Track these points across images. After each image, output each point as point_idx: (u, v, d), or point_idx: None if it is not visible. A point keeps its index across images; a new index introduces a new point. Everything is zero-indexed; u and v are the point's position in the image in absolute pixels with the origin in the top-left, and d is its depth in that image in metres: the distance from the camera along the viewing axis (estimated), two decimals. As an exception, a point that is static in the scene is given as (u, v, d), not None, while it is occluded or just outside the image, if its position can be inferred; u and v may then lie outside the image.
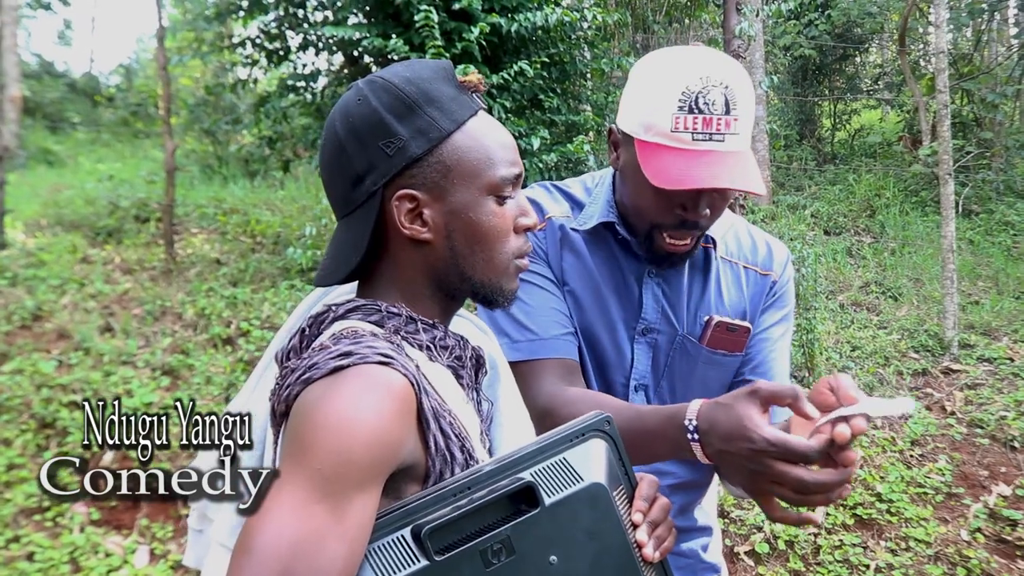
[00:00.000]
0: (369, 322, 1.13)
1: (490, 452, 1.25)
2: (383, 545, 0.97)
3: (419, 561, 0.95)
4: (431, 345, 1.16)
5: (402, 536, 0.97)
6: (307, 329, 1.16)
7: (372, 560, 0.96)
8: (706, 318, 1.74)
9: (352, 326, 1.11)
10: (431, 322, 1.18)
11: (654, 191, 1.55)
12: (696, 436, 1.31)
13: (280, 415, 1.05)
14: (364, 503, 0.94)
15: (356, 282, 1.24)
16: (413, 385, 1.01)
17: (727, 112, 1.51)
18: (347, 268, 1.17)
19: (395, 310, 1.15)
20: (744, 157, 1.54)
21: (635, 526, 1.10)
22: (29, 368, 5.44)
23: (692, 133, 1.50)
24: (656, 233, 1.62)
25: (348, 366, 0.99)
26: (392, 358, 1.01)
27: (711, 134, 1.50)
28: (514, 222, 1.20)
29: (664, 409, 1.41)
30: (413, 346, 1.14)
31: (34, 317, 6.14)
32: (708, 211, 1.57)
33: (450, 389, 1.15)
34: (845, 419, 1.19)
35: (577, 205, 1.79)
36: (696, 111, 1.50)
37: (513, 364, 1.66)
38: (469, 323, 1.38)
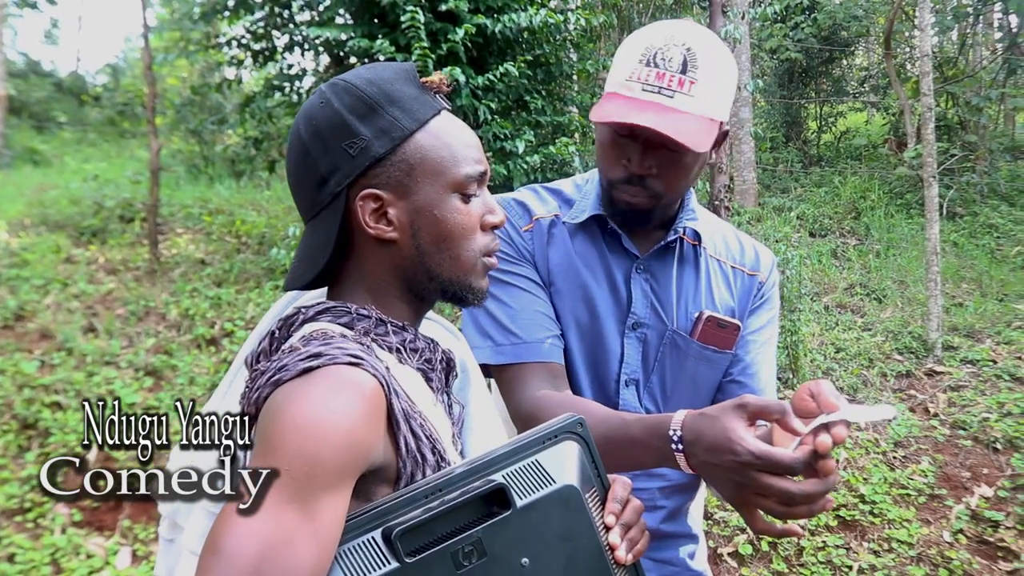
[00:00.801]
0: (339, 324, 1.13)
1: (462, 455, 1.25)
2: (353, 547, 0.96)
3: (390, 563, 0.95)
4: (401, 347, 1.16)
5: (373, 538, 0.97)
6: (276, 332, 1.16)
7: (342, 562, 0.95)
8: (697, 313, 1.75)
9: (322, 328, 1.11)
10: (401, 324, 1.18)
11: (606, 144, 1.60)
12: (680, 447, 1.31)
13: (250, 418, 1.04)
14: (334, 504, 0.94)
15: (327, 288, 1.24)
16: (383, 386, 1.01)
17: (683, 71, 1.52)
18: (315, 270, 1.17)
19: (365, 312, 1.15)
20: (691, 118, 1.52)
21: (607, 528, 1.10)
22: (11, 368, 5.41)
23: (643, 84, 1.52)
24: (614, 190, 1.63)
25: (318, 367, 0.99)
26: (362, 359, 1.01)
27: (660, 87, 1.51)
28: (480, 220, 1.20)
29: (649, 418, 1.41)
30: (383, 348, 1.14)
31: (16, 317, 6.11)
32: (653, 169, 1.57)
33: (420, 391, 1.15)
34: (826, 427, 1.19)
35: (567, 202, 1.80)
36: (652, 65, 1.53)
37: (498, 368, 1.66)
38: (440, 327, 1.38)
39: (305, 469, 0.92)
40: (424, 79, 1.19)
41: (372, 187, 1.13)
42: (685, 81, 1.52)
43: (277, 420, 0.96)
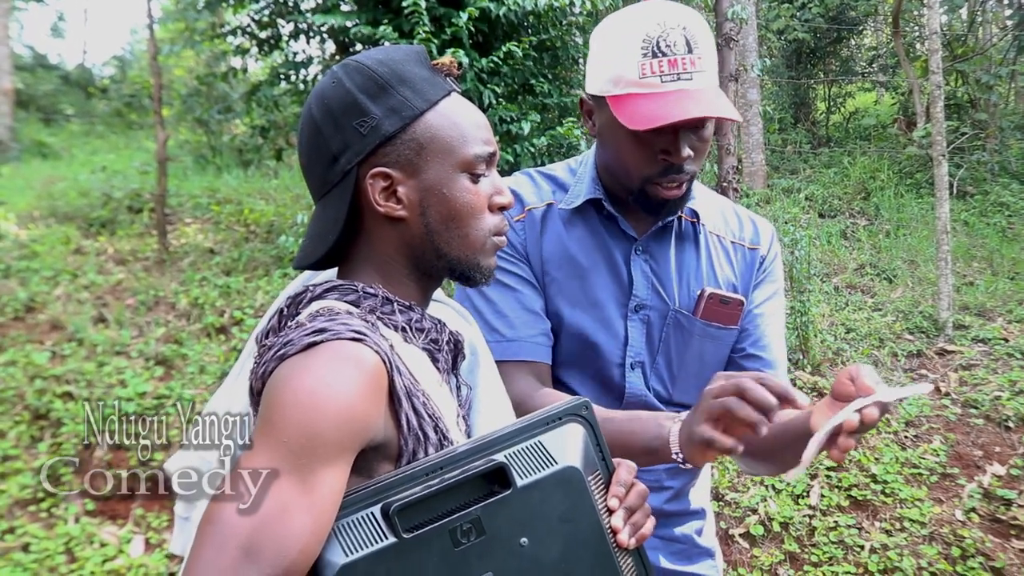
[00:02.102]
0: (345, 302, 1.14)
1: (468, 436, 1.25)
2: (352, 521, 0.97)
3: (387, 538, 0.96)
4: (406, 326, 1.17)
5: (371, 513, 0.98)
6: (285, 309, 1.18)
7: (340, 536, 0.96)
8: (699, 290, 1.74)
9: (328, 305, 1.12)
10: (407, 304, 1.19)
11: (634, 143, 1.58)
12: (683, 458, 1.38)
13: (256, 392, 1.05)
14: (331, 477, 0.95)
15: (337, 268, 1.25)
16: (385, 363, 1.02)
17: (689, 51, 1.53)
18: (324, 247, 1.18)
19: (371, 291, 1.16)
20: (714, 91, 1.56)
21: (611, 511, 1.10)
22: (22, 359, 5.43)
23: (660, 76, 1.53)
24: (648, 186, 1.63)
25: (321, 342, 1.00)
26: (365, 335, 1.02)
27: (678, 74, 1.53)
28: (488, 200, 1.21)
29: (646, 434, 1.44)
30: (388, 327, 1.14)
31: (27, 308, 6.13)
32: (690, 152, 1.58)
33: (424, 370, 1.15)
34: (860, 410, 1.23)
35: (561, 187, 1.80)
36: (660, 54, 1.53)
37: None
38: (451, 310, 1.39)
39: (303, 442, 0.93)
40: (434, 61, 1.20)
41: (382, 165, 1.14)
42: (695, 60, 1.53)
43: (279, 393, 0.97)
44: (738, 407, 1.24)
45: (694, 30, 1.54)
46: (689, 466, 1.39)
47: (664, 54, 1.52)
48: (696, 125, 1.56)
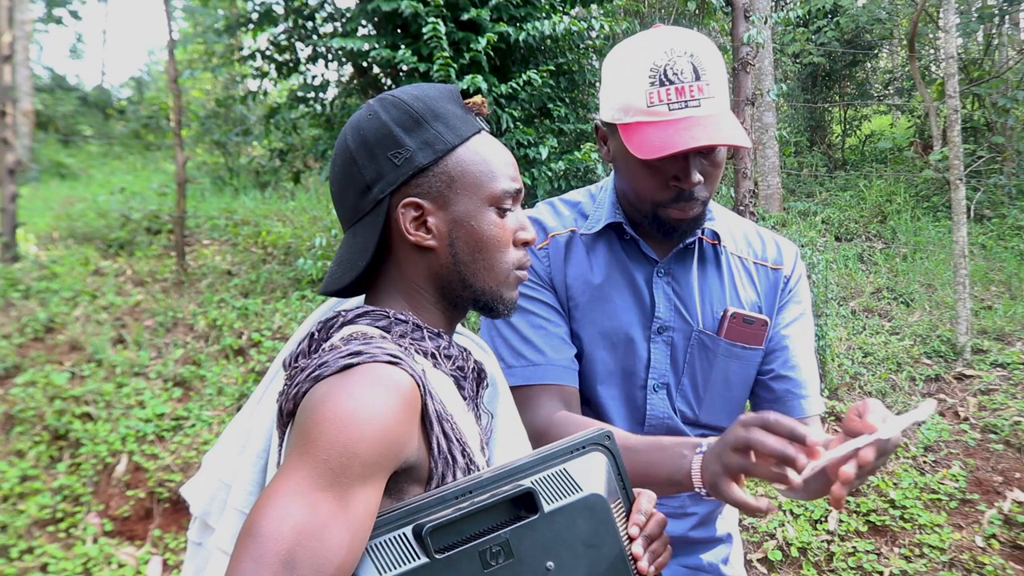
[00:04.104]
0: (377, 327, 1.17)
1: (488, 464, 1.27)
2: (385, 541, 0.99)
3: (419, 558, 0.98)
4: (435, 353, 1.20)
5: (403, 534, 1.00)
6: (316, 333, 1.21)
7: (373, 555, 0.98)
8: (722, 310, 1.75)
9: (361, 330, 1.14)
10: (436, 331, 1.22)
11: (646, 170, 1.60)
12: (705, 492, 1.37)
13: (287, 414, 1.08)
14: (367, 496, 0.97)
15: (364, 294, 1.28)
16: (419, 386, 1.05)
17: (697, 78, 1.55)
18: (354, 273, 1.21)
19: (402, 317, 1.19)
20: (723, 117, 1.57)
21: (631, 539, 1.13)
22: (42, 380, 5.47)
23: (668, 104, 1.55)
24: (660, 210, 1.64)
25: (357, 364, 1.02)
26: (400, 359, 1.04)
27: (686, 101, 1.55)
28: (514, 235, 1.25)
29: (667, 470, 1.43)
30: (418, 352, 1.17)
31: (47, 329, 6.18)
32: (701, 178, 1.59)
33: (452, 396, 1.18)
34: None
35: (583, 214, 1.82)
36: (667, 83, 1.55)
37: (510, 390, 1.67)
38: (471, 341, 1.43)
39: (342, 459, 0.95)
40: (467, 100, 1.25)
41: (414, 196, 1.19)
42: (703, 87, 1.56)
43: (316, 412, 0.99)
44: (753, 467, 1.25)
45: (702, 56, 1.56)
46: (712, 497, 1.39)
47: (671, 82, 1.54)
48: (706, 151, 1.58)
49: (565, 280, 1.76)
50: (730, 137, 1.54)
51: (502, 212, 1.23)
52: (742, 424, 1.27)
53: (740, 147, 1.55)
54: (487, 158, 1.22)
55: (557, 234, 1.79)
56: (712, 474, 1.32)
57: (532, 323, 1.72)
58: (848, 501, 4.75)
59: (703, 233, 1.77)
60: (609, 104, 1.64)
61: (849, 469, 1.18)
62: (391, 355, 1.04)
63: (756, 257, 1.83)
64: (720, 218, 1.82)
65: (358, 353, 1.03)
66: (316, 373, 1.03)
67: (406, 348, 1.12)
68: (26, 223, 8.33)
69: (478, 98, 1.26)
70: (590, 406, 1.77)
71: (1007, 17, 13.21)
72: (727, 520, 1.92)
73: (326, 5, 7.64)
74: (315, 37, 7.85)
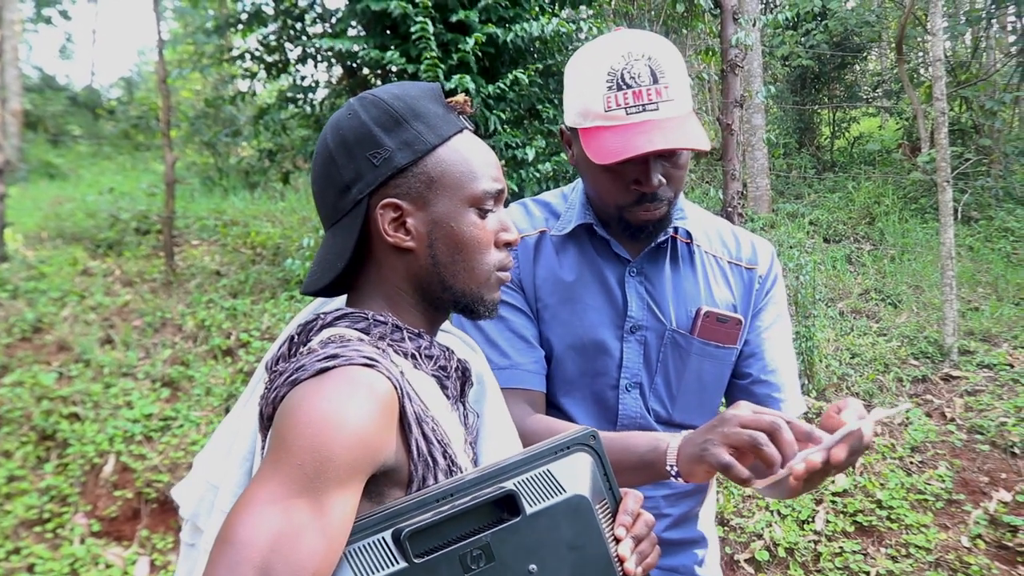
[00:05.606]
0: (356, 329, 1.16)
1: (475, 463, 1.26)
2: (363, 546, 0.98)
3: (398, 563, 0.97)
4: (416, 353, 1.18)
5: (382, 538, 0.99)
6: (296, 336, 1.19)
7: (351, 561, 0.97)
8: (695, 309, 1.75)
9: (339, 332, 1.14)
10: (416, 331, 1.21)
11: (607, 174, 1.60)
12: (676, 471, 1.40)
13: (267, 418, 1.07)
14: (344, 501, 0.96)
15: (346, 296, 1.27)
16: (396, 389, 1.04)
17: (655, 82, 1.55)
18: (332, 274, 1.20)
19: (382, 318, 1.18)
20: (683, 120, 1.57)
21: (617, 540, 1.11)
22: (29, 380, 5.45)
23: (625, 108, 1.55)
24: (625, 213, 1.65)
25: (334, 367, 1.01)
26: (377, 361, 1.04)
27: (643, 105, 1.55)
28: (495, 236, 1.24)
29: (640, 452, 1.46)
30: (398, 353, 1.16)
31: (34, 329, 6.16)
32: (663, 180, 1.60)
33: (434, 397, 1.17)
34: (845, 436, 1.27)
35: (554, 214, 1.82)
36: (624, 87, 1.55)
37: None
38: (458, 340, 1.41)
39: (316, 464, 0.94)
40: (449, 99, 1.23)
41: (393, 197, 1.17)
42: (661, 90, 1.55)
43: (292, 416, 0.98)
44: (765, 445, 1.26)
45: (660, 59, 1.56)
46: (682, 480, 1.40)
47: (628, 86, 1.54)
48: (667, 153, 1.58)
49: (534, 281, 1.76)
50: (688, 140, 1.54)
51: (483, 213, 1.21)
52: (745, 422, 1.30)
53: (698, 151, 1.56)
54: (468, 158, 1.20)
55: (527, 235, 1.78)
56: (698, 446, 1.34)
57: (500, 326, 1.71)
58: (835, 501, 4.77)
59: (676, 232, 1.77)
60: (570, 109, 1.65)
61: (816, 457, 1.23)
62: (367, 357, 1.03)
63: (731, 256, 1.83)
64: (693, 217, 1.82)
65: (334, 356, 1.03)
66: (293, 377, 1.03)
67: (384, 350, 1.11)
68: (14, 223, 8.30)
69: (461, 96, 1.24)
70: (560, 408, 1.76)
71: (994, 20, 13.28)
72: (703, 522, 1.92)
73: (315, 6, 7.64)
74: (304, 38, 7.85)
